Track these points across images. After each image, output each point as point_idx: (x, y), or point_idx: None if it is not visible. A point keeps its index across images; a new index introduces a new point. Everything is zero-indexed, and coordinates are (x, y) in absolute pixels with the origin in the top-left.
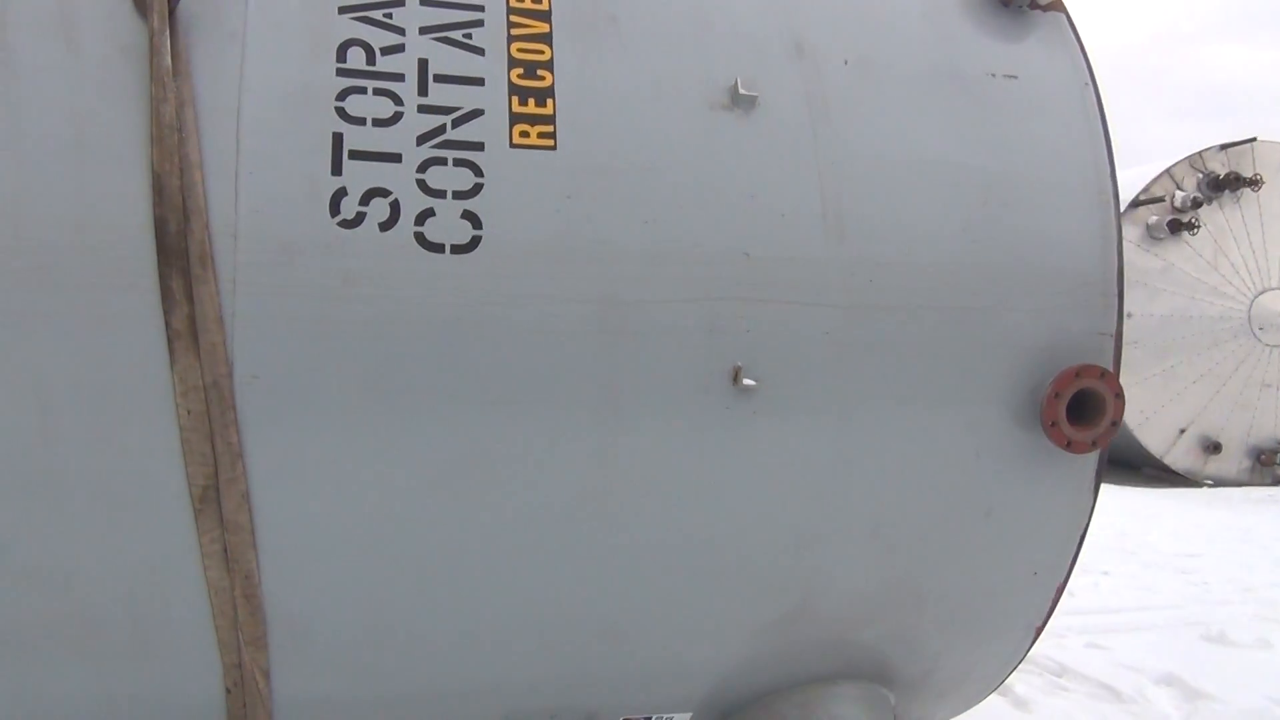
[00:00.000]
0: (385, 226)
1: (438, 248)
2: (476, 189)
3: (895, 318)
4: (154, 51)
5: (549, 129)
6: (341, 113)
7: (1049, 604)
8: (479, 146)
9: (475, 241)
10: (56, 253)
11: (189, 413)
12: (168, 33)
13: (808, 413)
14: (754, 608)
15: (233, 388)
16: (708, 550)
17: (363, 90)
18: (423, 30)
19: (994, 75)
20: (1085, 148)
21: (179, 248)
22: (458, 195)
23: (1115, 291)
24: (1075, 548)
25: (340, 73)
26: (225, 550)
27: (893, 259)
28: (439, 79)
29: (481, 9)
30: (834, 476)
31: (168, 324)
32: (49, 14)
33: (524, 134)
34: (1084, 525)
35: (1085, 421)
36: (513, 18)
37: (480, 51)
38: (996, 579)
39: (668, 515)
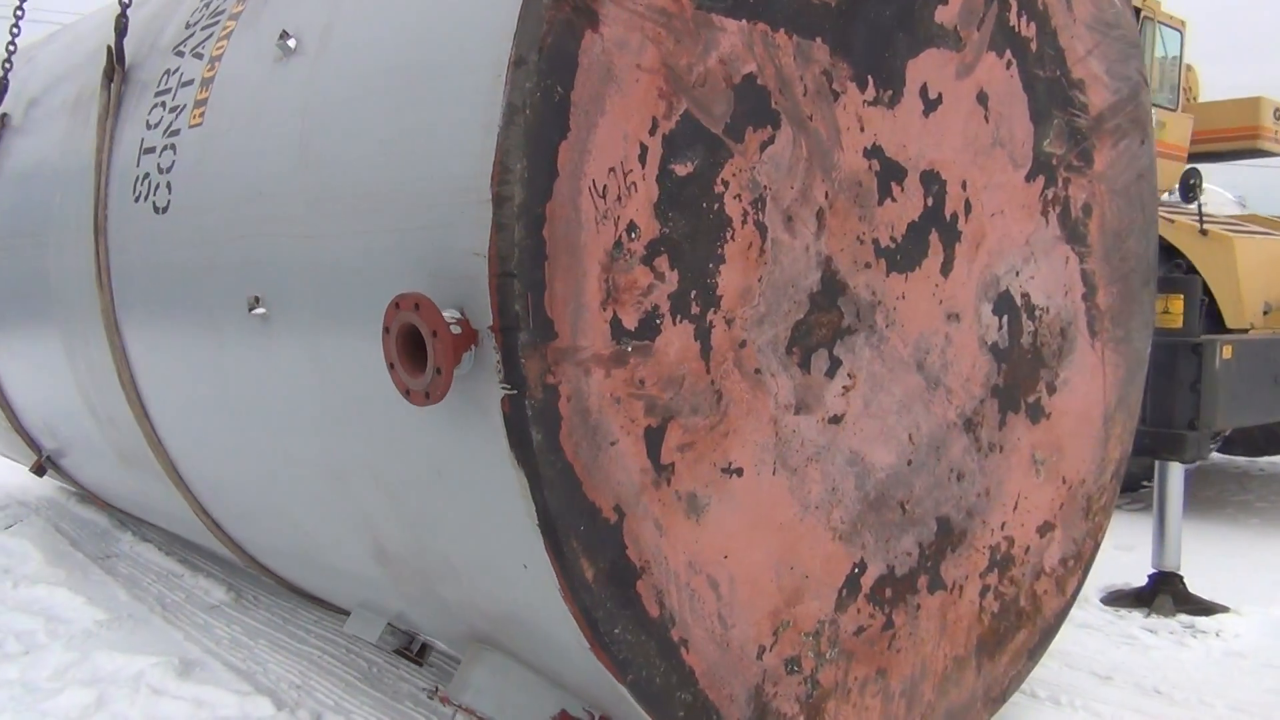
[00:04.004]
0: (142, 199)
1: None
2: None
3: (277, 246)
4: (99, 104)
5: (203, 109)
6: (146, 123)
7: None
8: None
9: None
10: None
11: (104, 332)
12: (108, 95)
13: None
14: (346, 536)
15: (115, 310)
16: (292, 463)
17: (160, 105)
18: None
19: None
20: (469, 10)
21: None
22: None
23: (488, 198)
24: (537, 536)
25: (155, 94)
26: (131, 413)
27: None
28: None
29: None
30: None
31: (97, 275)
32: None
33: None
34: (522, 506)
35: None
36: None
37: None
38: (509, 568)
39: (269, 425)
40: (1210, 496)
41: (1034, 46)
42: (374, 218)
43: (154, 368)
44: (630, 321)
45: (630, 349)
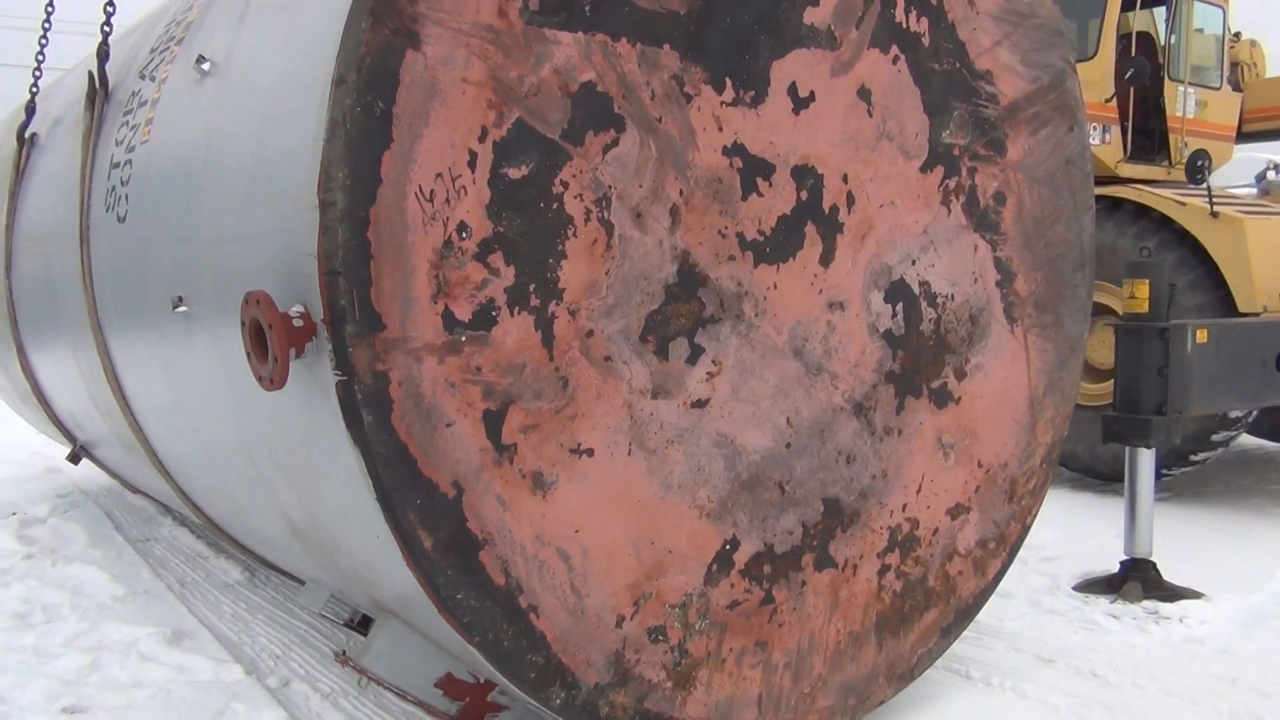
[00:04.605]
0: (110, 209)
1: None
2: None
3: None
4: (82, 124)
5: (150, 127)
6: (115, 140)
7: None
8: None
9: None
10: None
11: (91, 332)
12: (90, 115)
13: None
14: (267, 512)
15: (96, 311)
16: (221, 447)
17: (125, 124)
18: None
19: None
20: (315, 34)
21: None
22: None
23: (316, 204)
24: (378, 509)
25: (123, 114)
26: (118, 405)
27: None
28: (140, 104)
29: None
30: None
31: (83, 279)
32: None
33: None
34: (363, 481)
35: None
36: None
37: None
38: (368, 539)
39: (203, 413)
40: (1246, 485)
41: (926, 41)
42: (250, 223)
43: (128, 363)
44: (464, 313)
45: (464, 339)
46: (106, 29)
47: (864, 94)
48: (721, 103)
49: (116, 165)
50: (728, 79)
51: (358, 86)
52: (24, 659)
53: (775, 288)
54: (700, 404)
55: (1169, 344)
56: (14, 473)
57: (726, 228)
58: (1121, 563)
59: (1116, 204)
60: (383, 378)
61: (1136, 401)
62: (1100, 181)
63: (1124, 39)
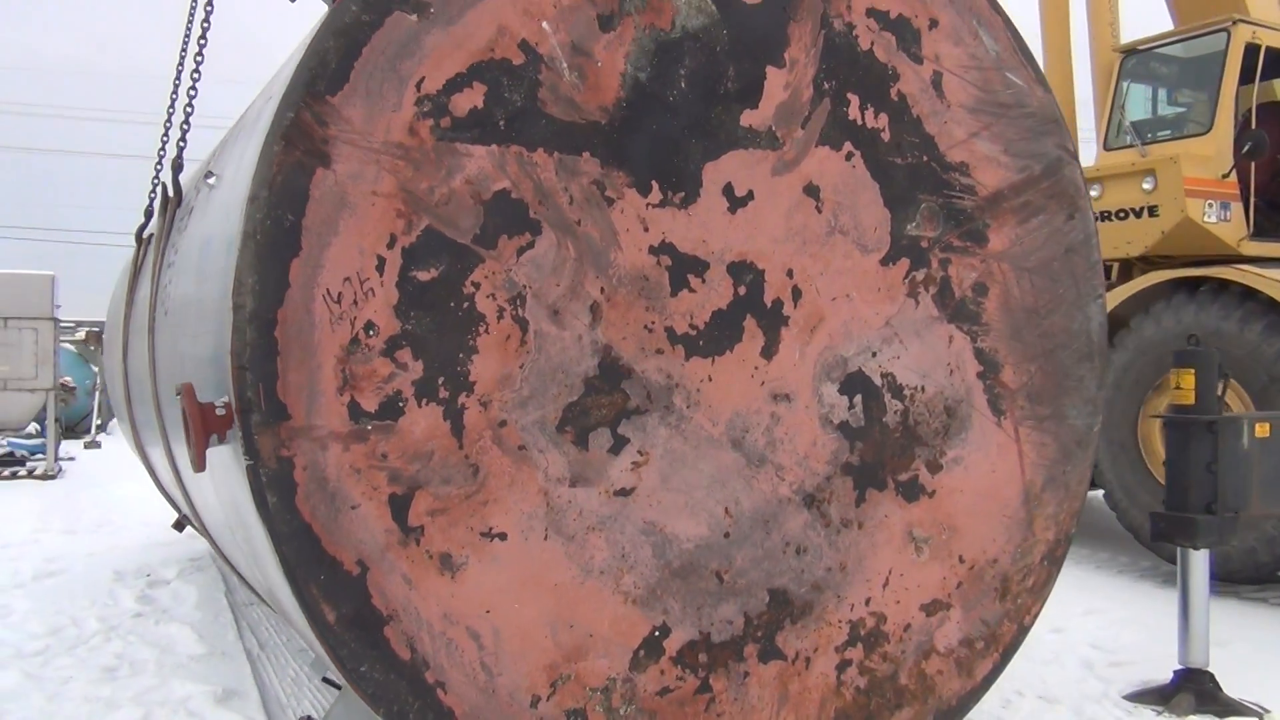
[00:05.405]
0: (161, 305)
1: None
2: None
3: (189, 344)
4: (157, 229)
5: (185, 233)
6: (173, 245)
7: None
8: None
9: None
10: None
11: (155, 414)
12: (163, 220)
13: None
14: (255, 577)
15: (158, 395)
16: (217, 520)
17: (179, 229)
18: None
19: None
20: (253, 155)
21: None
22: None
23: (230, 306)
24: (285, 582)
25: (181, 220)
26: (176, 481)
27: (191, 300)
28: (189, 213)
29: None
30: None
31: (150, 364)
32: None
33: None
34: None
35: None
36: None
37: None
38: (293, 610)
39: (210, 488)
40: None
41: (886, 136)
42: (210, 322)
43: (175, 444)
44: (370, 404)
45: (370, 427)
46: (181, 144)
47: (811, 191)
48: (647, 204)
49: (169, 265)
50: (654, 182)
51: (268, 202)
52: (92, 710)
53: (710, 380)
54: (624, 492)
55: (1218, 439)
56: (161, 537)
57: (654, 322)
58: (1175, 672)
59: (1223, 286)
60: (287, 463)
61: (1184, 499)
62: (1218, 261)
63: (1258, 109)
